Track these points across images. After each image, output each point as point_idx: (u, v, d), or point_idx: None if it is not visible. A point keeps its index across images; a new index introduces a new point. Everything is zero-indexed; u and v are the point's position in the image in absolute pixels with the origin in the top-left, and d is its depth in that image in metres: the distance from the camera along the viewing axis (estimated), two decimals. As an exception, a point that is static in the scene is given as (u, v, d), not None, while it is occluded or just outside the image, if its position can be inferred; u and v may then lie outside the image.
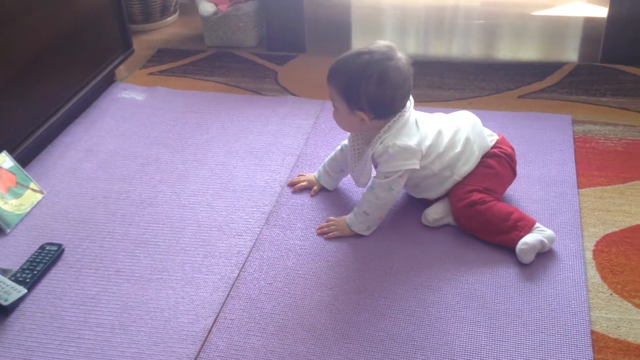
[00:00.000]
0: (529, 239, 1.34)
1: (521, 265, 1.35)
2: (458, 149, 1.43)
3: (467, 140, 1.44)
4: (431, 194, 1.47)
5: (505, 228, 1.37)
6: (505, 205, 1.41)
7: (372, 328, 1.23)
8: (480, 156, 1.46)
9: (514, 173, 1.50)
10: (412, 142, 1.38)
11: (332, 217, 1.49)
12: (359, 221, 1.44)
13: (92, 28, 1.95)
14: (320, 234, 1.46)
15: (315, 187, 1.59)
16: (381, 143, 1.38)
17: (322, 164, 1.60)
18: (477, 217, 1.40)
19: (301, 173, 1.65)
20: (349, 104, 1.37)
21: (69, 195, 1.62)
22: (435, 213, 1.45)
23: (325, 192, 1.60)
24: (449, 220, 1.45)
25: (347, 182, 1.61)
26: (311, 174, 1.62)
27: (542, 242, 1.34)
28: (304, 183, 1.60)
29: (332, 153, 1.58)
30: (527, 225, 1.37)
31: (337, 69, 1.37)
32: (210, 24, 2.36)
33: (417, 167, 1.40)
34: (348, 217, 1.46)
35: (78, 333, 1.25)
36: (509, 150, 1.49)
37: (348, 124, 1.42)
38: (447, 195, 1.46)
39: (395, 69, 1.34)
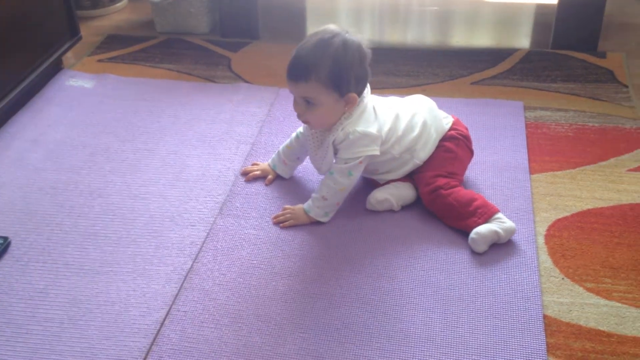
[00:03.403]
0: (482, 229, 1.34)
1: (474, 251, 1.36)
2: (416, 132, 1.44)
3: (425, 124, 1.45)
4: (392, 176, 1.47)
5: (465, 214, 1.38)
6: (470, 192, 1.42)
7: (327, 317, 1.22)
8: (438, 139, 1.47)
9: (471, 153, 1.52)
10: (372, 128, 1.38)
11: (287, 206, 1.47)
12: (317, 206, 1.43)
13: (37, 13, 1.89)
14: (276, 223, 1.44)
15: (269, 176, 1.57)
16: (342, 130, 1.38)
17: (276, 152, 1.58)
18: (440, 200, 1.41)
19: (255, 162, 1.63)
20: (341, 90, 1.34)
21: (15, 186, 1.57)
22: (379, 196, 1.45)
23: (279, 180, 1.58)
24: (393, 203, 1.45)
25: (301, 170, 1.60)
26: (265, 163, 1.60)
27: (496, 233, 1.34)
28: (258, 172, 1.58)
29: (287, 141, 1.56)
30: (486, 214, 1.37)
31: (313, 63, 1.32)
32: (160, 10, 2.31)
33: (377, 153, 1.40)
34: (306, 204, 1.44)
35: (26, 328, 1.21)
36: (465, 131, 1.51)
37: (332, 117, 1.37)
38: (401, 179, 1.47)
39: (361, 42, 1.35)
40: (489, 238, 1.34)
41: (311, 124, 1.41)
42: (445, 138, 1.48)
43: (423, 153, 1.45)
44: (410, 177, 1.49)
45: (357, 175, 1.41)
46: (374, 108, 1.41)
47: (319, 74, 1.32)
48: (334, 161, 1.43)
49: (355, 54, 1.34)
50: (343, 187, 1.41)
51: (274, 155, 1.59)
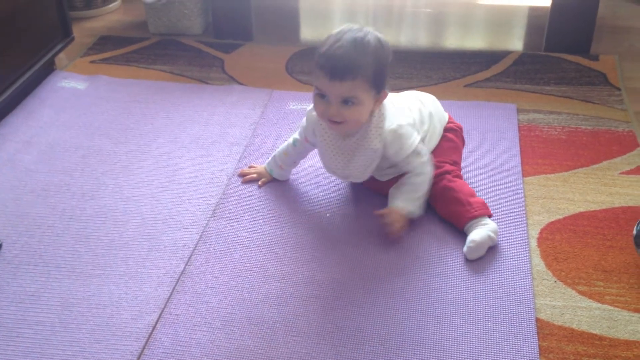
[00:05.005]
0: (476, 236, 1.34)
1: (468, 254, 1.36)
2: (426, 124, 1.47)
3: (431, 115, 1.49)
4: (396, 170, 1.47)
5: (464, 201, 1.39)
6: (471, 189, 1.44)
7: (320, 320, 1.22)
8: (442, 130, 1.52)
9: (464, 142, 1.57)
10: (407, 120, 1.40)
11: (385, 219, 1.39)
12: (421, 204, 1.41)
13: (29, 13, 1.88)
14: (396, 239, 1.39)
15: (264, 179, 1.57)
16: (380, 133, 1.37)
17: (272, 157, 1.57)
18: (445, 184, 1.42)
19: (252, 164, 1.62)
20: (378, 88, 1.34)
21: (7, 188, 1.56)
22: (401, 206, 1.43)
23: (272, 182, 1.57)
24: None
25: (294, 172, 1.60)
26: (262, 166, 1.60)
27: (489, 236, 1.35)
28: (254, 176, 1.58)
29: (283, 147, 1.54)
30: (481, 210, 1.38)
31: (359, 61, 1.28)
32: (154, 11, 2.30)
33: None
34: (406, 210, 1.39)
35: (16, 332, 1.20)
36: (458, 123, 1.57)
37: (366, 115, 1.35)
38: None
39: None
40: (485, 243, 1.34)
41: (347, 126, 1.35)
42: (446, 129, 1.53)
43: (431, 144, 1.48)
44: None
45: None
46: (391, 103, 1.42)
47: (366, 72, 1.30)
48: (401, 162, 1.40)
49: (388, 51, 1.35)
50: (430, 174, 1.41)
51: (269, 159, 1.58)
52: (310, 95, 1.88)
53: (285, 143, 1.55)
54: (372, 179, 1.50)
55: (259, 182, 1.56)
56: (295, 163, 1.57)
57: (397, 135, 1.38)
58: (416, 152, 1.39)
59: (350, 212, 1.48)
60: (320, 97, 1.34)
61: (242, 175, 1.59)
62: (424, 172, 1.41)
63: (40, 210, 1.49)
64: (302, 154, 1.55)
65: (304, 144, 1.51)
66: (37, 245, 1.40)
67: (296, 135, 1.52)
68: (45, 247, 1.39)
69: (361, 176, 1.45)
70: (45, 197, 1.53)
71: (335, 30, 1.33)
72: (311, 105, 1.43)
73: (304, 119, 1.48)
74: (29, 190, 1.56)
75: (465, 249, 1.35)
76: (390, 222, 1.38)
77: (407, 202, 1.40)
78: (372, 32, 1.33)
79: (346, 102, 1.32)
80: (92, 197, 1.53)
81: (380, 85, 1.34)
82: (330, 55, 1.29)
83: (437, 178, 1.43)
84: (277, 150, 1.56)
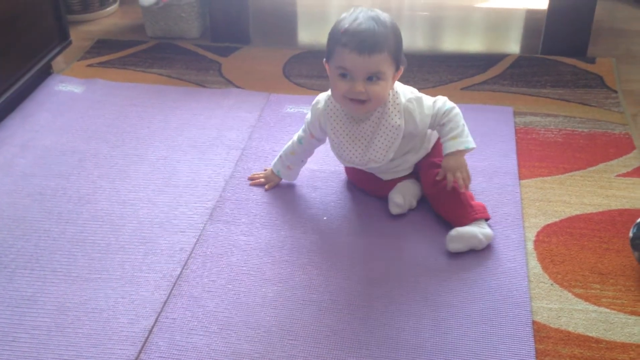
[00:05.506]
0: (462, 229, 1.35)
1: (464, 257, 1.35)
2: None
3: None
4: (401, 164, 1.47)
5: (465, 201, 1.40)
6: (470, 192, 1.45)
7: (317, 324, 1.22)
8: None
9: None
10: (413, 90, 1.44)
11: (440, 176, 1.40)
12: (467, 134, 1.40)
13: (26, 17, 1.88)
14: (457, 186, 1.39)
15: (271, 183, 1.56)
16: (399, 110, 1.38)
17: (278, 158, 1.55)
18: (445, 183, 1.41)
19: (265, 168, 1.62)
20: (398, 63, 1.35)
21: (3, 192, 1.56)
22: (397, 199, 1.45)
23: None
24: (413, 201, 1.47)
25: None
26: (269, 168, 1.58)
27: (476, 236, 1.35)
28: (262, 180, 1.57)
29: (289, 147, 1.53)
30: (480, 212, 1.39)
31: (383, 34, 1.29)
32: (151, 14, 2.31)
33: None
34: (463, 145, 1.38)
35: (12, 336, 1.20)
36: None
37: (387, 91, 1.36)
38: (410, 176, 1.50)
39: None
40: (467, 239, 1.35)
41: (370, 104, 1.35)
42: None
43: (434, 138, 1.49)
44: (413, 174, 1.50)
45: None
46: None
47: (390, 45, 1.31)
48: (429, 122, 1.41)
49: (399, 29, 1.36)
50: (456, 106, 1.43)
51: (275, 161, 1.56)
52: (307, 98, 1.90)
53: (290, 142, 1.54)
54: (374, 179, 1.50)
55: (265, 187, 1.56)
56: (303, 162, 1.55)
57: (417, 99, 1.40)
58: (436, 102, 1.41)
59: (348, 215, 1.48)
60: (343, 77, 1.34)
61: (252, 179, 1.59)
62: (452, 106, 1.41)
63: (36, 214, 1.49)
64: (309, 151, 1.54)
65: (309, 141, 1.50)
66: (33, 250, 1.39)
67: (300, 132, 1.51)
68: (41, 251, 1.39)
69: (383, 158, 1.42)
70: (42, 201, 1.53)
71: (345, 14, 1.34)
72: (315, 99, 1.45)
73: (308, 114, 1.48)
74: (26, 194, 1.55)
75: (447, 236, 1.36)
76: (454, 177, 1.38)
77: (456, 142, 1.38)
78: (381, 11, 1.35)
79: (370, 78, 1.32)
80: (88, 201, 1.53)
81: (399, 61, 1.35)
82: (355, 31, 1.30)
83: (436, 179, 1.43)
84: (283, 150, 1.55)
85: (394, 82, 1.38)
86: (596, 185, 1.55)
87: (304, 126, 1.50)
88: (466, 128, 1.41)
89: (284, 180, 1.58)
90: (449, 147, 1.39)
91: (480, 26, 2.44)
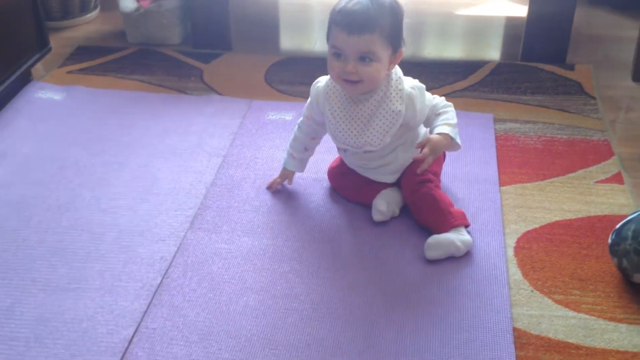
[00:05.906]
0: (440, 236, 1.36)
1: (445, 264, 1.36)
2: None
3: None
4: (402, 158, 1.47)
5: (445, 210, 1.40)
6: (450, 199, 1.45)
7: (298, 333, 1.21)
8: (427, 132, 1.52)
9: (445, 156, 1.57)
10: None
11: (420, 143, 1.38)
12: (457, 133, 1.40)
13: (5, 24, 1.86)
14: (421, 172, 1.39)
15: (286, 179, 1.56)
16: (401, 95, 1.39)
17: (286, 151, 1.56)
18: (425, 190, 1.42)
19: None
20: (395, 45, 1.35)
21: (-19, 201, 1.55)
22: (380, 206, 1.45)
23: (251, 193, 1.57)
24: (395, 208, 1.47)
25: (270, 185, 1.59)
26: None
27: (453, 243, 1.36)
28: (278, 180, 1.57)
29: (292, 135, 1.54)
30: (460, 219, 1.40)
31: (376, 14, 1.29)
32: (132, 21, 2.29)
33: None
34: (453, 134, 1.38)
35: (-10, 348, 1.19)
36: None
37: (381, 75, 1.36)
38: (393, 185, 1.50)
39: None
40: (444, 246, 1.35)
41: (363, 86, 1.35)
42: None
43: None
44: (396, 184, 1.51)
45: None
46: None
47: (383, 26, 1.31)
48: (427, 113, 1.42)
49: (402, 10, 1.35)
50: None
51: (284, 155, 1.57)
52: (289, 105, 1.90)
53: (293, 132, 1.55)
54: (357, 186, 1.50)
55: (286, 183, 1.56)
56: (307, 150, 1.55)
57: (420, 88, 1.41)
58: (435, 97, 1.44)
59: (330, 223, 1.48)
60: (336, 56, 1.34)
61: (269, 187, 1.58)
62: (449, 105, 1.43)
63: (14, 223, 1.48)
64: (309, 135, 1.53)
65: (307, 123, 1.51)
66: (11, 259, 1.38)
67: (300, 118, 1.52)
68: (19, 260, 1.38)
69: (379, 142, 1.42)
70: (20, 210, 1.52)
71: None
72: (317, 80, 1.46)
73: (310, 97, 1.49)
74: (4, 203, 1.54)
75: (425, 244, 1.36)
76: (430, 150, 1.35)
77: (449, 129, 1.38)
78: None
79: (363, 58, 1.32)
80: (68, 209, 1.52)
81: (397, 44, 1.35)
82: (348, 11, 1.31)
83: (419, 185, 1.44)
84: (289, 142, 1.56)
85: (393, 65, 1.38)
86: (575, 191, 1.57)
87: (304, 110, 1.51)
88: (457, 129, 1.42)
89: (265, 187, 1.58)
90: (442, 129, 1.38)
91: (461, 33, 2.46)
